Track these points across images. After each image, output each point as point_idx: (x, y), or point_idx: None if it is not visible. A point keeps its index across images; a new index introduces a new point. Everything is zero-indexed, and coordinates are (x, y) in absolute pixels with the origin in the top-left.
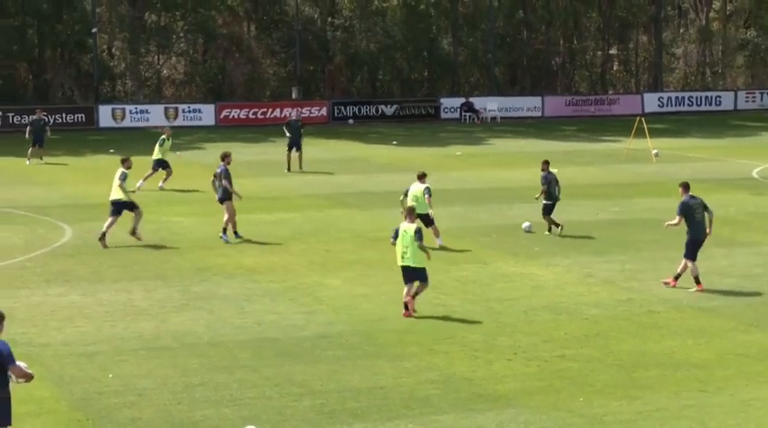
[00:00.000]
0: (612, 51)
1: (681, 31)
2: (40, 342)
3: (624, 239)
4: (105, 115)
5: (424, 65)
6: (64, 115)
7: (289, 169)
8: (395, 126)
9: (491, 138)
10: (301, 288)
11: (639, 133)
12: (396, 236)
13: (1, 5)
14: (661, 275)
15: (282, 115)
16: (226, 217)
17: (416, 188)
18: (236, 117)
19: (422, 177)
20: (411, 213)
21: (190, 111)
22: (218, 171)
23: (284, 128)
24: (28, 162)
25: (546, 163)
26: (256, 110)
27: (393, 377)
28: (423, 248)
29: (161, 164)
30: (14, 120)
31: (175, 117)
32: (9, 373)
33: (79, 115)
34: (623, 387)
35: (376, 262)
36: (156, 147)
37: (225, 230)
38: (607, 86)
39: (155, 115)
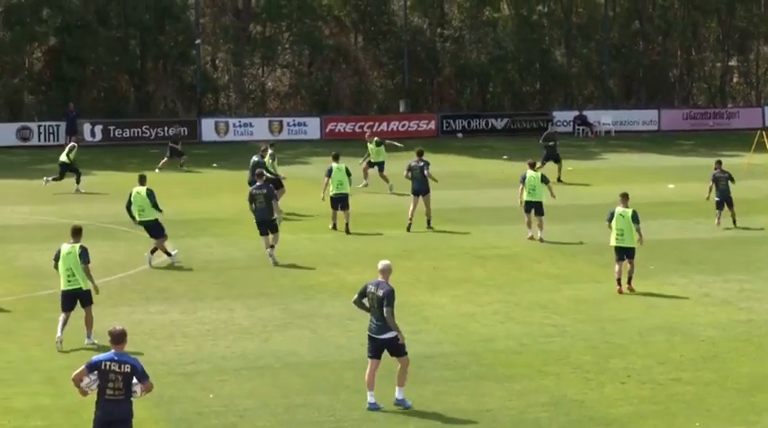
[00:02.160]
0: (732, 63)
1: None
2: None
3: (743, 258)
4: (208, 128)
5: (536, 77)
6: (166, 129)
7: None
8: (505, 140)
9: (605, 152)
10: (407, 306)
11: (760, 148)
12: (611, 218)
13: (103, 17)
14: None
15: (390, 129)
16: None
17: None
18: (342, 130)
19: (532, 165)
20: (625, 198)
21: (295, 125)
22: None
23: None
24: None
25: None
26: (363, 123)
27: (502, 399)
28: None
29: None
30: (116, 133)
31: (280, 130)
32: (134, 389)
33: (182, 128)
34: (741, 411)
35: (484, 280)
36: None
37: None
38: (726, 99)
39: (259, 128)
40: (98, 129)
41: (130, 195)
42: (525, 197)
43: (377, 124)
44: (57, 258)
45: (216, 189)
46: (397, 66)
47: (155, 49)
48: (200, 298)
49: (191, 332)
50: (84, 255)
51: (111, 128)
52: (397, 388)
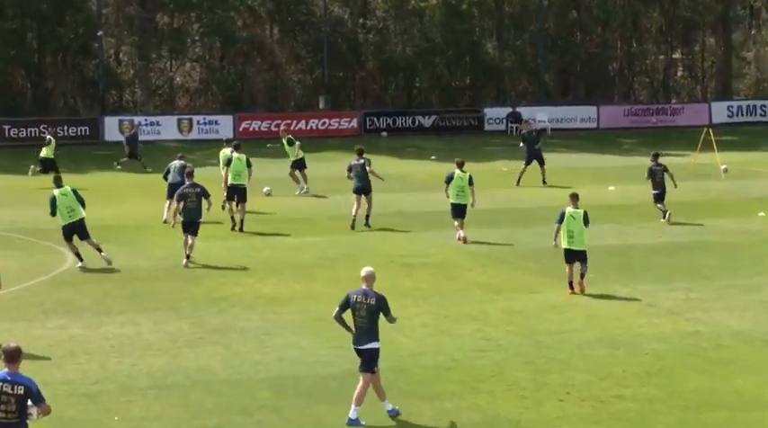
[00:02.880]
0: (676, 55)
1: (752, 32)
2: (37, 380)
3: (688, 265)
4: (112, 128)
5: (467, 71)
6: (66, 128)
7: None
8: (433, 139)
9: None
10: (328, 319)
11: (706, 146)
12: (561, 219)
13: None
14: (729, 304)
15: (309, 127)
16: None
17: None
18: (257, 129)
19: (461, 164)
20: (575, 198)
21: (206, 123)
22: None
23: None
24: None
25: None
26: (279, 121)
27: (431, 418)
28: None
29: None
30: (11, 133)
31: (190, 129)
32: (30, 411)
33: (83, 128)
34: None
35: (411, 290)
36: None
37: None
38: (670, 94)
39: (167, 127)
40: None
41: (54, 199)
42: (452, 199)
43: (295, 122)
44: None
45: (119, 193)
46: (317, 59)
47: (53, 42)
48: (103, 311)
49: (94, 348)
50: None
51: (6, 127)
52: (353, 407)
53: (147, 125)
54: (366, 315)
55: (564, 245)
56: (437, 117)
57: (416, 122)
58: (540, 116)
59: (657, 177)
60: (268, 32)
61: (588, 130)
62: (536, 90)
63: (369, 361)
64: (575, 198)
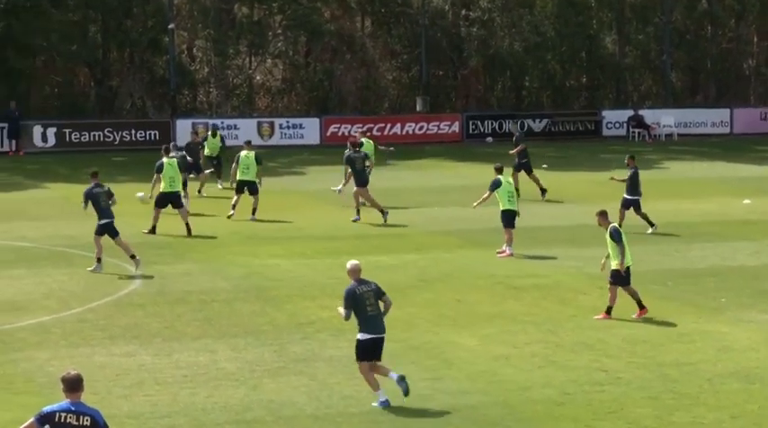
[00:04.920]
0: None
1: None
2: (102, 412)
3: None
4: (184, 131)
5: (582, 69)
6: (133, 132)
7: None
8: (545, 145)
9: (666, 160)
10: (427, 347)
11: None
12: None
13: None
14: None
15: (404, 132)
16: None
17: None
18: (346, 134)
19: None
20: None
21: (289, 127)
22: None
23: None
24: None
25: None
26: (372, 125)
27: None
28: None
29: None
30: (72, 137)
31: (271, 134)
32: None
33: (152, 131)
34: None
35: (520, 315)
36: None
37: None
38: None
39: (245, 131)
40: (50, 132)
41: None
42: (505, 205)
43: (389, 126)
44: None
45: (193, 205)
46: (413, 56)
47: (119, 36)
48: (176, 337)
49: (165, 378)
50: None
51: (67, 131)
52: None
53: (223, 129)
54: (375, 301)
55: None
56: (549, 120)
57: (525, 127)
58: (665, 119)
59: None
60: (359, 26)
61: (720, 136)
62: (661, 90)
63: (381, 349)
64: (602, 215)
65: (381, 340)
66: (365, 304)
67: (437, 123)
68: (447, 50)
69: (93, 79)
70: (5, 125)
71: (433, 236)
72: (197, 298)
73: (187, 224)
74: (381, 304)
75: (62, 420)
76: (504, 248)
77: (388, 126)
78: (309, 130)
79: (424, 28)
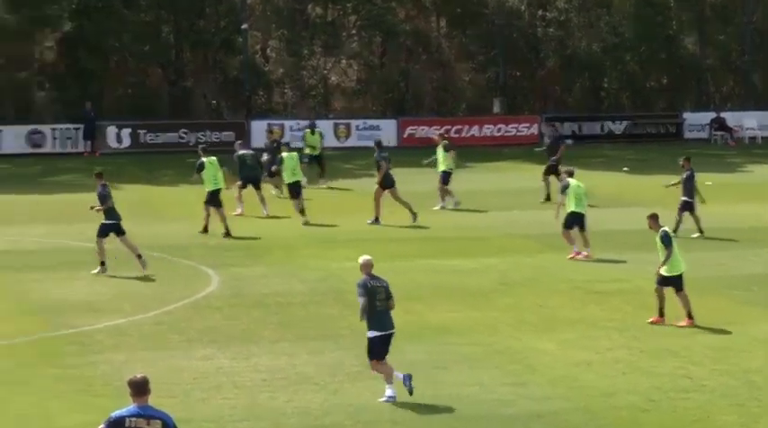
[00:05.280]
0: None
1: None
2: (179, 416)
3: None
4: (259, 132)
5: (663, 70)
6: (208, 133)
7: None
8: (625, 148)
9: (749, 163)
10: (508, 352)
11: None
12: None
13: None
14: None
15: (482, 133)
16: None
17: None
18: (422, 136)
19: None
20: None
21: (365, 128)
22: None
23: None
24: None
25: None
26: (449, 127)
27: None
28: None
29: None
30: (147, 138)
31: (348, 135)
32: None
33: (227, 133)
34: None
35: (602, 320)
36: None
37: None
38: None
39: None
40: (125, 133)
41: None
42: (573, 207)
43: (466, 128)
44: None
45: (273, 206)
46: (490, 56)
47: (192, 36)
48: (254, 340)
49: (243, 382)
50: None
51: (141, 132)
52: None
53: (298, 130)
54: (385, 297)
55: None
56: (629, 122)
57: (605, 129)
58: (747, 122)
59: None
60: (434, 26)
61: None
62: (743, 92)
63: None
64: (654, 219)
65: (391, 336)
66: (376, 298)
67: (515, 125)
68: (524, 51)
69: (166, 80)
70: (81, 126)
71: (512, 239)
72: (274, 301)
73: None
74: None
75: (132, 425)
76: (577, 250)
77: (466, 128)
78: (386, 131)
79: (500, 28)
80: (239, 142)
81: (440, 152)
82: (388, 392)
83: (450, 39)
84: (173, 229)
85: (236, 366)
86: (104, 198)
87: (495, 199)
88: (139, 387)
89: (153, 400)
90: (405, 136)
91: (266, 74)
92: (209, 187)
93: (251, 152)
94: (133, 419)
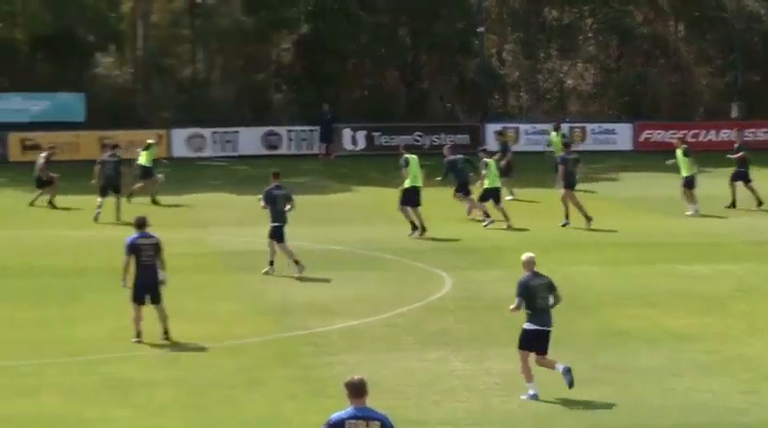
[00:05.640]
0: None
1: None
2: (413, 418)
3: None
4: (494, 135)
5: None
6: (443, 136)
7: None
8: None
9: None
10: (742, 360)
11: None
12: None
13: (367, 1)
14: None
15: (719, 138)
16: None
17: None
18: (659, 140)
19: None
20: None
21: (601, 132)
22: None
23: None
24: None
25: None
26: (686, 131)
27: None
28: None
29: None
30: (382, 140)
31: (583, 138)
32: None
33: (462, 135)
34: None
35: None
36: None
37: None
38: None
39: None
40: (360, 135)
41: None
42: None
43: (703, 132)
44: None
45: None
46: (728, 60)
47: (429, 39)
48: (487, 343)
49: (476, 385)
50: None
51: (376, 134)
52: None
53: (533, 134)
54: (546, 294)
55: None
56: None
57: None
58: None
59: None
60: (672, 29)
61: None
62: None
63: (548, 342)
64: None
65: (546, 333)
66: (537, 296)
67: (753, 130)
68: (763, 55)
69: (402, 82)
70: (317, 128)
71: (751, 246)
72: (506, 306)
73: (421, 222)
74: (551, 298)
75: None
76: None
77: (703, 133)
78: (622, 136)
79: (739, 32)
80: (447, 146)
81: (680, 156)
82: (530, 391)
83: (688, 42)
84: (395, 233)
85: (469, 369)
86: (269, 197)
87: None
88: (357, 389)
89: (390, 401)
90: (641, 140)
91: (502, 77)
92: (408, 184)
93: (461, 157)
94: (352, 421)
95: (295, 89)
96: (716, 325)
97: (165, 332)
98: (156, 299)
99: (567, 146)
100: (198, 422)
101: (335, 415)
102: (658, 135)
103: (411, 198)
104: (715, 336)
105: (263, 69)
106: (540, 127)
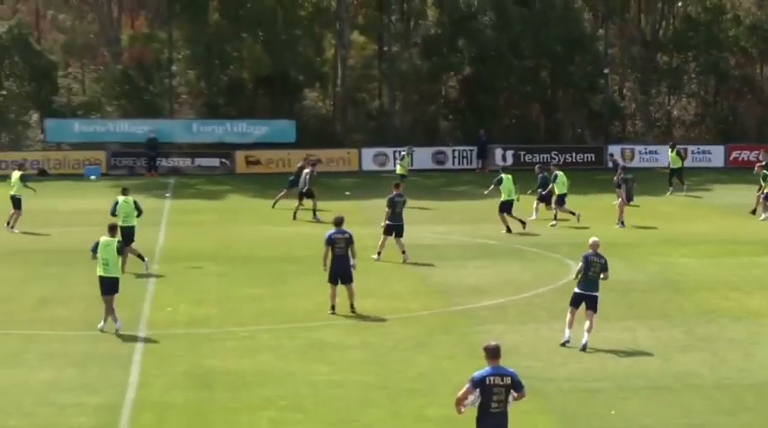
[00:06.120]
0: None
1: None
2: (544, 376)
3: None
4: (615, 155)
5: None
6: (574, 154)
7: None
8: None
9: None
10: None
11: None
12: None
13: (516, 47)
14: None
15: None
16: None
17: None
18: (745, 159)
19: None
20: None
21: (699, 153)
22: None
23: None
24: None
25: None
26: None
27: None
28: None
29: None
30: (526, 158)
31: (684, 158)
32: (509, 398)
33: (588, 154)
34: None
35: None
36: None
37: None
38: None
39: (663, 155)
40: (509, 154)
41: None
42: None
43: None
44: None
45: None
46: None
47: (564, 79)
48: (604, 318)
49: (595, 350)
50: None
51: (522, 153)
52: (586, 334)
53: (646, 154)
54: (599, 270)
55: None
56: None
57: None
58: None
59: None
60: (758, 71)
61: None
62: None
63: (595, 304)
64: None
65: (589, 297)
66: (590, 269)
67: None
68: None
69: (543, 113)
70: (474, 148)
71: None
72: (621, 288)
73: (520, 220)
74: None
75: (491, 382)
76: None
77: None
78: (715, 156)
79: None
80: (538, 166)
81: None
82: (565, 335)
83: None
84: (540, 229)
85: (591, 338)
86: (390, 202)
87: None
88: (494, 352)
89: (526, 363)
90: (731, 159)
91: (621, 108)
92: (503, 197)
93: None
94: (491, 377)
95: (459, 118)
96: None
97: (352, 306)
98: (347, 280)
99: (623, 169)
100: (380, 375)
101: (477, 373)
102: (745, 155)
103: (505, 207)
104: None
105: (434, 102)
106: (651, 148)
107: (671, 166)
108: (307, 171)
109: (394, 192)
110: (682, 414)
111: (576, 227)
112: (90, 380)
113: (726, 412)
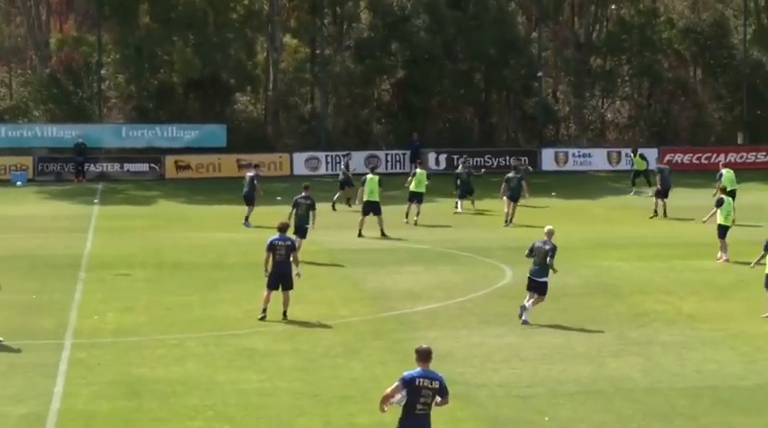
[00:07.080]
0: None
1: None
2: (476, 382)
3: None
4: (548, 158)
5: None
6: (507, 158)
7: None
8: None
9: None
10: (743, 336)
11: None
12: None
13: (450, 50)
14: None
15: (728, 159)
16: None
17: None
18: (679, 161)
19: None
20: None
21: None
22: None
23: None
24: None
25: None
26: (700, 154)
27: None
28: None
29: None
30: (458, 162)
31: (618, 161)
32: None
33: (522, 158)
34: None
35: None
36: None
37: None
38: None
39: (597, 159)
40: (442, 157)
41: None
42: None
43: (714, 155)
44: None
45: (553, 218)
46: (737, 98)
47: (498, 82)
48: (537, 322)
49: (527, 355)
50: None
51: (455, 157)
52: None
53: (579, 157)
54: (543, 256)
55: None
56: None
57: None
58: None
59: None
60: (691, 74)
61: None
62: None
63: (543, 289)
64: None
65: (537, 282)
66: (533, 254)
67: (754, 153)
68: (764, 94)
69: (476, 117)
70: (408, 151)
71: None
72: (553, 294)
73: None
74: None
75: (420, 384)
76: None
77: (714, 155)
78: (650, 158)
79: (745, 76)
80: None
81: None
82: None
83: (704, 84)
84: (477, 234)
85: (522, 343)
86: (294, 204)
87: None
88: (425, 355)
89: (459, 369)
90: (664, 161)
91: (555, 112)
92: (365, 198)
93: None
94: (421, 380)
95: (392, 121)
96: (721, 309)
97: (285, 313)
98: (287, 287)
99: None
100: (310, 382)
101: (408, 373)
102: (678, 157)
103: (366, 209)
104: (720, 318)
105: (367, 106)
106: (584, 151)
107: (635, 169)
108: (250, 174)
109: (302, 194)
110: (615, 418)
111: (513, 227)
112: (14, 390)
113: (659, 416)
